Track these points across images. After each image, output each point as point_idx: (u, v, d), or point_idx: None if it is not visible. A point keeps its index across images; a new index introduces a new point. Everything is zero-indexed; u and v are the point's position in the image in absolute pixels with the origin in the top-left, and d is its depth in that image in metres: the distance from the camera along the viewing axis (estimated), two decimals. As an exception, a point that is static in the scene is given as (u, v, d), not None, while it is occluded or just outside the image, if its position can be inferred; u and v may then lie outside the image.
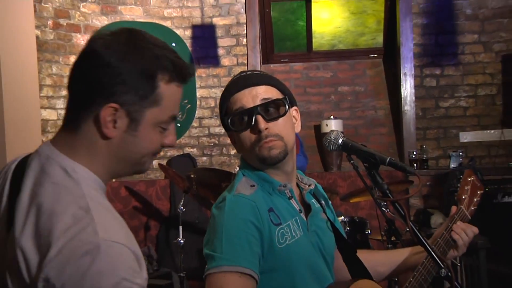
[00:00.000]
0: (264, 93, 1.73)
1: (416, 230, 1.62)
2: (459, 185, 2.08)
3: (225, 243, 1.57)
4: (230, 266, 1.53)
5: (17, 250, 1.17)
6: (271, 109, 1.75)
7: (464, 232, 1.89)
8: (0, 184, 1.32)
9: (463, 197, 2.00)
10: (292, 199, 1.81)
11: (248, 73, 1.83)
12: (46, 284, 1.10)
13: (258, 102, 1.72)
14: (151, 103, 1.24)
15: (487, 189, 4.89)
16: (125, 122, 1.22)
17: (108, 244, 1.10)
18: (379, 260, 2.03)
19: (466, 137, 5.48)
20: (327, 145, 1.75)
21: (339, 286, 1.85)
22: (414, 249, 2.00)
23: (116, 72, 1.19)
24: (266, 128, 1.69)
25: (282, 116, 1.75)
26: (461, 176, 2.10)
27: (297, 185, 1.88)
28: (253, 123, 1.69)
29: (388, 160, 1.64)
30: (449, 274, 1.59)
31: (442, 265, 1.60)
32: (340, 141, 1.71)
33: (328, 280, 1.83)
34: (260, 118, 1.69)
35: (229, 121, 1.75)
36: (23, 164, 1.30)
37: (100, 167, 1.27)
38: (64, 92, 5.33)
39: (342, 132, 1.81)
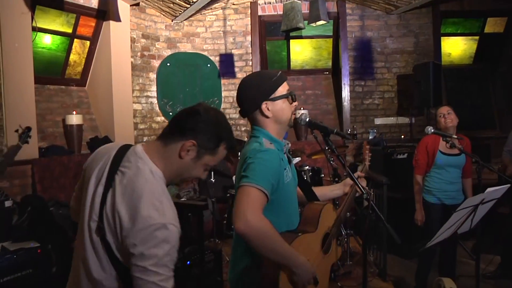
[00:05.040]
0: None
1: (350, 173, 1.90)
2: (363, 150, 2.39)
3: (257, 172, 1.67)
4: (256, 184, 1.64)
5: (115, 211, 1.36)
6: None
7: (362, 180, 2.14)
8: (105, 160, 1.48)
9: (366, 157, 2.36)
10: (286, 154, 1.93)
11: (281, 72, 1.90)
12: (133, 245, 1.30)
13: None
14: (210, 152, 1.49)
15: (388, 151, 5.29)
16: (193, 154, 1.46)
17: (170, 225, 1.33)
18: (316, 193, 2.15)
19: (378, 121, 6.40)
20: (299, 122, 1.94)
21: (316, 205, 2.00)
22: (332, 187, 2.22)
23: (206, 128, 1.45)
24: None
25: None
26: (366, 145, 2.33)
27: None
28: (295, 99, 1.89)
29: (335, 130, 1.88)
30: (368, 196, 1.83)
31: (364, 191, 1.86)
32: (307, 119, 1.93)
33: (296, 201, 2.00)
34: None
35: (291, 96, 1.85)
36: (122, 153, 1.47)
37: (168, 173, 1.47)
38: (146, 94, 6.00)
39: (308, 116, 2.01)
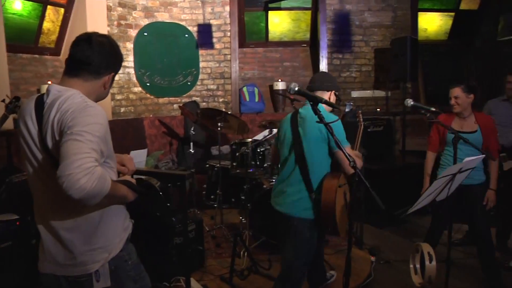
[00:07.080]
0: None
1: (337, 140, 1.97)
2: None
3: (344, 135, 2.52)
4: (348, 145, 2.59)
5: (48, 126, 1.57)
6: None
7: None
8: (21, 115, 1.66)
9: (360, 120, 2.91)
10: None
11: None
12: (68, 125, 1.50)
13: None
14: (118, 71, 1.83)
15: (365, 123, 4.80)
16: (111, 80, 1.80)
17: (97, 107, 1.58)
18: None
19: (355, 94, 6.56)
20: (289, 91, 2.04)
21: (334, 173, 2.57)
22: None
23: (115, 58, 1.76)
24: None
25: None
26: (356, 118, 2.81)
27: None
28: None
29: (323, 100, 2.03)
30: (354, 164, 1.88)
31: (350, 159, 1.90)
32: (296, 88, 2.03)
33: None
34: None
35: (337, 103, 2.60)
36: (41, 98, 1.64)
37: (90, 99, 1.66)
38: (123, 64, 5.52)
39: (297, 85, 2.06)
